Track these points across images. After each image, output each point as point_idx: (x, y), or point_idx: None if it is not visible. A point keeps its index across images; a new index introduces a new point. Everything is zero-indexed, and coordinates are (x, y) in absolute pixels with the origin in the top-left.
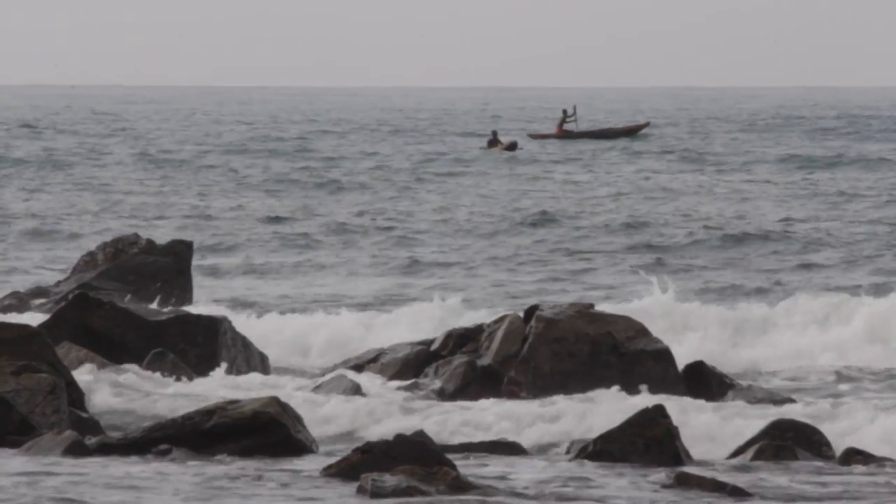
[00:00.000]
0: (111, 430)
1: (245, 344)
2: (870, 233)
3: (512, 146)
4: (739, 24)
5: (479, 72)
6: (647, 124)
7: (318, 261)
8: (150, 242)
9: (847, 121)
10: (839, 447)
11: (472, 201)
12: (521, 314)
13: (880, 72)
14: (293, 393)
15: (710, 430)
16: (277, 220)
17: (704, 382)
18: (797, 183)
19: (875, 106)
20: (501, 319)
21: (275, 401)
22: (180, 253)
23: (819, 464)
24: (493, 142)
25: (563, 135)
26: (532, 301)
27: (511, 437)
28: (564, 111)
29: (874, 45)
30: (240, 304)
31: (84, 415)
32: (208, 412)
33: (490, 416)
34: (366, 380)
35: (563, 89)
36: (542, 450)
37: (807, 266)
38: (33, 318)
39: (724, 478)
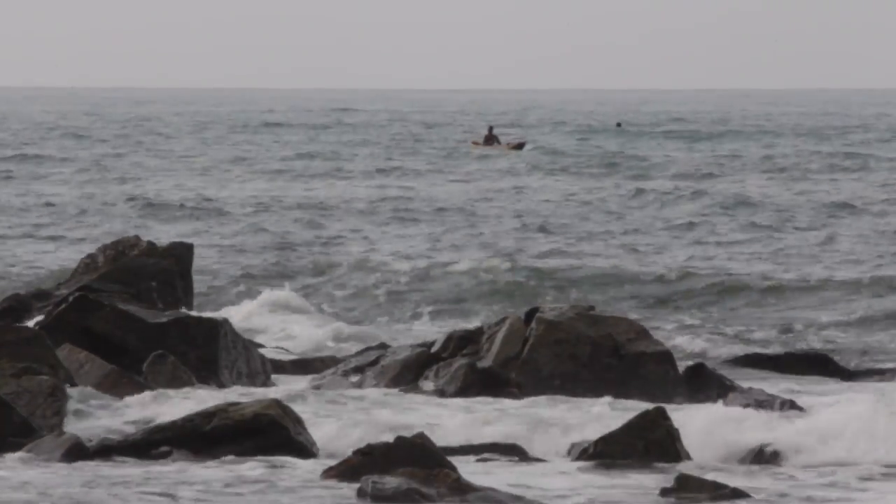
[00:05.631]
0: (111, 432)
1: (246, 346)
2: None
3: (520, 146)
4: (743, 24)
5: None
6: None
7: None
8: (150, 244)
9: None
10: None
11: None
12: (522, 316)
13: None
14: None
15: None
16: None
17: (705, 384)
18: None
19: None
20: (502, 321)
21: (275, 403)
22: (181, 255)
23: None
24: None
25: None
26: None
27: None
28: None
29: None
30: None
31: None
32: (209, 414)
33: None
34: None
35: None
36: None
37: None
38: (34, 321)
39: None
